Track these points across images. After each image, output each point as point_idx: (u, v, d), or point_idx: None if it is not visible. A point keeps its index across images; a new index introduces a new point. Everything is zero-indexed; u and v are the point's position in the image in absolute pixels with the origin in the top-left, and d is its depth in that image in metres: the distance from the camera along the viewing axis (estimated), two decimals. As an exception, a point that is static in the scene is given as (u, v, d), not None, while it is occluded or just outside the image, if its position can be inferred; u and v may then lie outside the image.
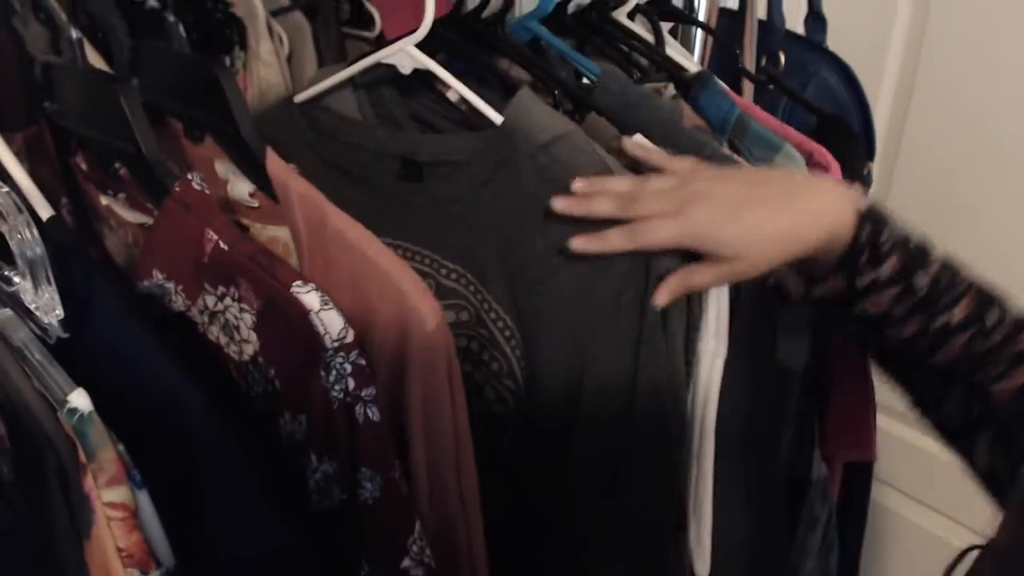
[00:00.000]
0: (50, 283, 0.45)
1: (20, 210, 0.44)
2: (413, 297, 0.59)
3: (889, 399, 0.76)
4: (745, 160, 0.78)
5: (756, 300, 0.76)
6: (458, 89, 0.73)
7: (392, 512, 0.57)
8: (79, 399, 0.45)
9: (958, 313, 0.63)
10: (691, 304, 0.71)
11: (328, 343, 0.54)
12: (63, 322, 0.47)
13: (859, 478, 0.99)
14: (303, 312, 0.54)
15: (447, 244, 0.73)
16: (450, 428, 0.63)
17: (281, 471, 0.59)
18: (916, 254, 0.64)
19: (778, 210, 0.64)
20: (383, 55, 0.76)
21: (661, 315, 0.67)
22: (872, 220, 0.64)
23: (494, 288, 0.71)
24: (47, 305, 0.45)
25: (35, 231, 0.44)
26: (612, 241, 0.64)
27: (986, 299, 0.64)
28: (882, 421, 0.91)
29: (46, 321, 0.45)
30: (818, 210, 0.64)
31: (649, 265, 0.65)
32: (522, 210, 0.69)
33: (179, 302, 0.60)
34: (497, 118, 0.70)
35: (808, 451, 0.88)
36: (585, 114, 0.78)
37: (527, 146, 0.69)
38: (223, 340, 0.60)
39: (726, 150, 0.79)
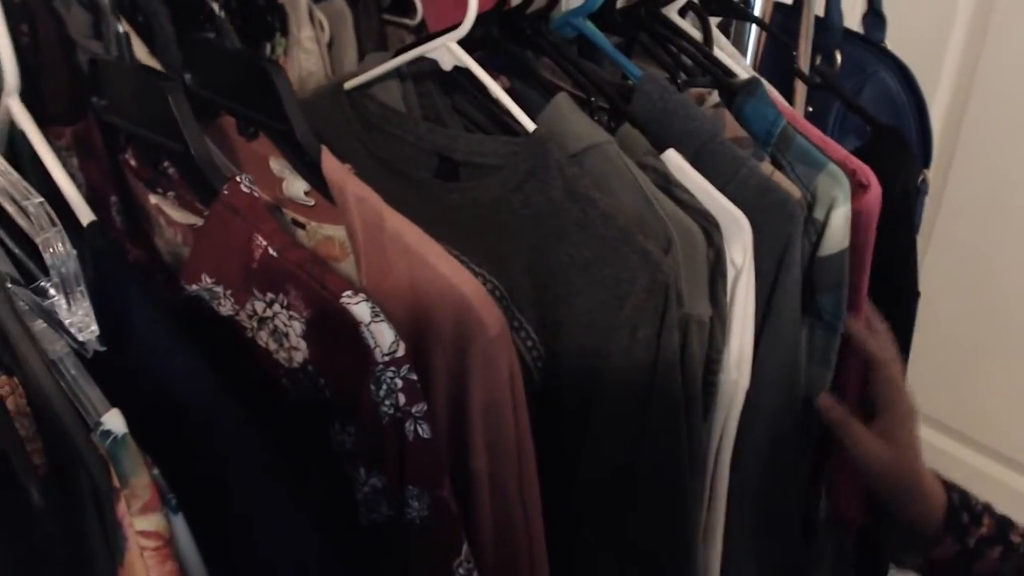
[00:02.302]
0: (84, 298, 0.39)
1: (54, 222, 0.38)
2: (475, 304, 0.53)
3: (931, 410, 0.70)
4: (786, 176, 0.70)
5: (785, 330, 0.69)
6: (494, 92, 0.66)
7: (439, 532, 0.50)
8: (113, 420, 0.39)
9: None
10: (713, 335, 0.64)
11: (379, 357, 0.47)
12: (100, 335, 0.41)
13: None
14: (353, 324, 0.47)
15: (477, 248, 0.65)
16: (512, 436, 0.56)
17: (328, 481, 0.53)
18: (1003, 517, 0.69)
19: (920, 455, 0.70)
20: (425, 49, 0.69)
21: (680, 350, 0.61)
22: (955, 489, 0.70)
23: (519, 298, 0.63)
24: (81, 322, 0.39)
25: (68, 245, 0.38)
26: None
27: None
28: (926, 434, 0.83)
29: (80, 338, 0.39)
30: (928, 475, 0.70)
31: (666, 304, 0.59)
32: (549, 222, 0.62)
33: (228, 306, 0.54)
34: (530, 125, 0.63)
35: (819, 485, 0.81)
36: (621, 122, 0.70)
37: (558, 155, 0.62)
38: (272, 346, 0.53)
39: (767, 165, 0.70)
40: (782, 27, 0.97)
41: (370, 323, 0.47)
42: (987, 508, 0.70)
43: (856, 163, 0.73)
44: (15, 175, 0.43)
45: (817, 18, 0.95)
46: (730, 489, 0.70)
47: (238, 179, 0.51)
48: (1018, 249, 1.15)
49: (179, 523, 0.41)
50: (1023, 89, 1.11)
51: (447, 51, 0.68)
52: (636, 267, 0.58)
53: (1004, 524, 0.69)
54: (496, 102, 0.67)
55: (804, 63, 0.95)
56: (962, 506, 0.69)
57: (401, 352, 0.48)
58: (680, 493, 0.65)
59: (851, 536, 0.86)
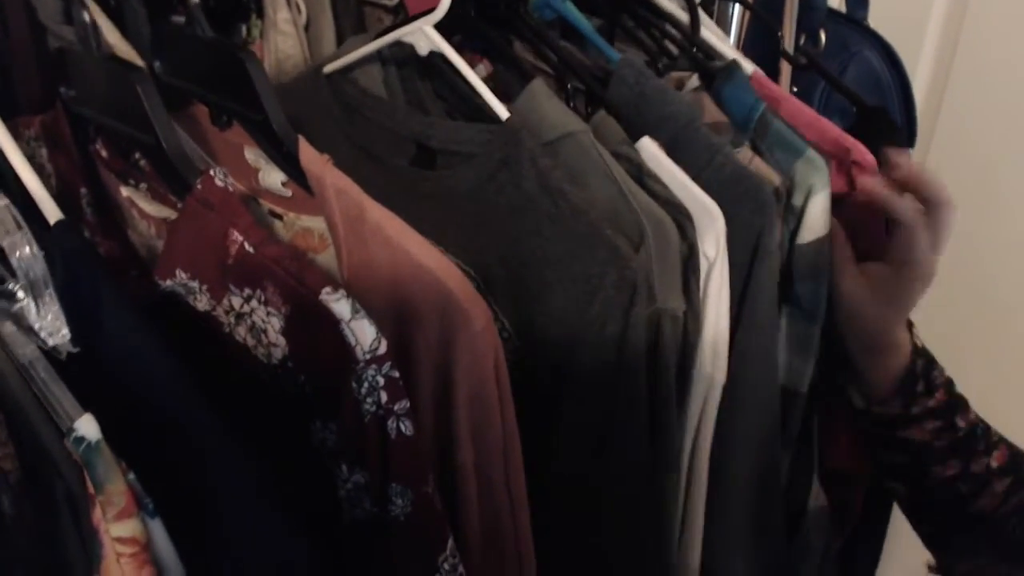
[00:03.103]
0: (54, 301, 0.38)
1: (20, 225, 0.37)
2: (460, 296, 0.52)
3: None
4: (765, 163, 0.69)
5: (760, 322, 0.68)
6: (468, 78, 0.64)
7: (423, 529, 0.50)
8: (86, 426, 0.38)
9: (996, 459, 0.67)
10: (687, 330, 0.64)
11: (360, 355, 0.47)
12: (72, 336, 0.40)
13: (877, 505, 0.86)
14: (333, 321, 0.47)
15: (453, 237, 0.64)
16: (498, 428, 0.56)
17: (310, 478, 0.53)
18: (959, 399, 0.68)
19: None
20: (401, 33, 0.67)
21: (652, 346, 0.60)
22: (923, 356, 0.69)
23: (494, 288, 0.63)
24: (51, 327, 0.38)
25: (35, 248, 0.37)
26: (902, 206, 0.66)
27: (1019, 453, 0.68)
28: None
29: (51, 343, 0.38)
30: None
31: (632, 301, 0.58)
32: (523, 214, 0.60)
33: (204, 302, 0.53)
34: (503, 112, 0.62)
35: (807, 477, 0.79)
36: (597, 108, 0.69)
37: (531, 144, 0.60)
38: (250, 342, 0.52)
39: (745, 151, 0.69)
40: (765, 7, 0.96)
41: (351, 320, 0.47)
42: (948, 385, 0.69)
43: (850, 141, 0.72)
44: (-21, 175, 0.42)
45: (800, -2, 0.94)
46: (711, 485, 0.70)
47: (212, 172, 0.50)
48: (999, 227, 1.16)
49: (157, 527, 0.40)
50: (1003, 67, 1.11)
51: (423, 35, 0.66)
52: (605, 263, 0.58)
53: (955, 404, 0.68)
54: (472, 88, 0.66)
55: (788, 43, 0.94)
56: (922, 374, 0.68)
57: (383, 349, 0.47)
58: (649, 493, 0.65)
59: (858, 498, 0.85)
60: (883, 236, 0.70)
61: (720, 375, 0.65)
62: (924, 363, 0.69)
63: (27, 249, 0.37)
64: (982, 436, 0.68)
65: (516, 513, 0.59)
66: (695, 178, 0.64)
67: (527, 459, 0.62)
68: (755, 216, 0.65)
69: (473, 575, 0.55)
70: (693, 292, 0.64)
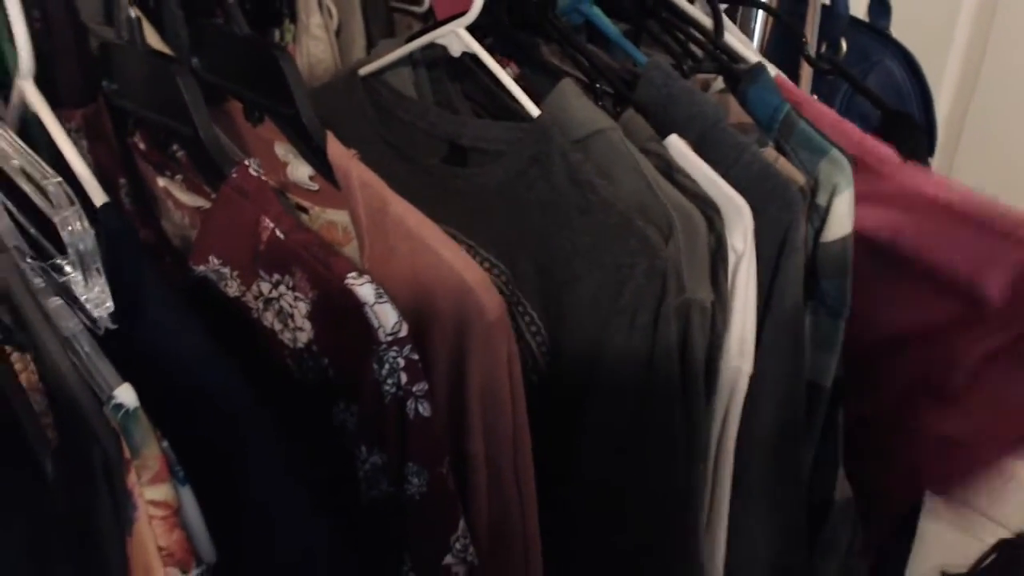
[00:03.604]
0: (100, 275, 0.41)
1: (72, 201, 0.40)
2: (475, 288, 0.54)
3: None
4: (790, 163, 0.71)
5: (787, 316, 0.70)
6: (500, 77, 0.67)
7: (438, 508, 0.52)
8: (125, 394, 0.41)
9: None
10: (715, 321, 0.65)
11: (382, 336, 0.49)
12: (112, 313, 0.43)
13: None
14: (357, 305, 0.49)
15: (484, 233, 0.66)
16: (509, 419, 0.58)
17: (331, 459, 0.55)
18: None
19: None
20: (435, 35, 0.70)
21: (681, 336, 0.61)
22: None
23: (524, 282, 0.65)
24: (97, 298, 0.41)
25: (86, 223, 0.40)
26: None
27: None
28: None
29: (96, 314, 0.41)
30: None
31: (664, 290, 0.59)
32: (552, 208, 0.62)
33: (234, 287, 0.56)
34: (534, 110, 0.64)
35: (831, 470, 0.80)
36: (625, 107, 0.71)
37: (561, 141, 0.62)
38: (277, 326, 0.55)
39: (770, 151, 0.71)
40: (789, 15, 0.98)
41: (374, 304, 0.49)
42: None
43: (873, 143, 0.73)
44: (34, 156, 0.45)
45: (823, 5, 0.96)
46: (734, 476, 0.71)
47: (247, 163, 0.53)
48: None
49: (187, 494, 0.43)
50: (1031, 78, 1.12)
51: (456, 37, 0.69)
52: (636, 253, 0.59)
53: None
54: (503, 88, 0.68)
55: (810, 51, 0.96)
56: None
57: (403, 332, 0.49)
58: (676, 483, 0.66)
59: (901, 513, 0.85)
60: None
61: (747, 366, 0.66)
62: None
63: (78, 224, 0.40)
64: None
65: (524, 505, 0.60)
66: (723, 175, 0.66)
67: (554, 454, 0.64)
68: (782, 212, 0.67)
69: (480, 562, 0.57)
70: (721, 284, 0.65)
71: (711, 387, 0.67)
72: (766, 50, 0.99)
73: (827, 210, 0.72)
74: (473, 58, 0.69)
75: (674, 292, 0.60)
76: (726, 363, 0.66)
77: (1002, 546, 0.65)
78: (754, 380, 0.67)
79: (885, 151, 0.72)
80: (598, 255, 0.61)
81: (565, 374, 0.65)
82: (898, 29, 0.98)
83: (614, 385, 0.62)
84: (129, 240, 0.48)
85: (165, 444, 0.42)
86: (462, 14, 0.68)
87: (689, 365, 0.63)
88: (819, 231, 0.72)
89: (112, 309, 0.42)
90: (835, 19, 0.92)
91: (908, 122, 0.77)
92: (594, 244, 0.61)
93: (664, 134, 0.68)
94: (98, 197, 0.49)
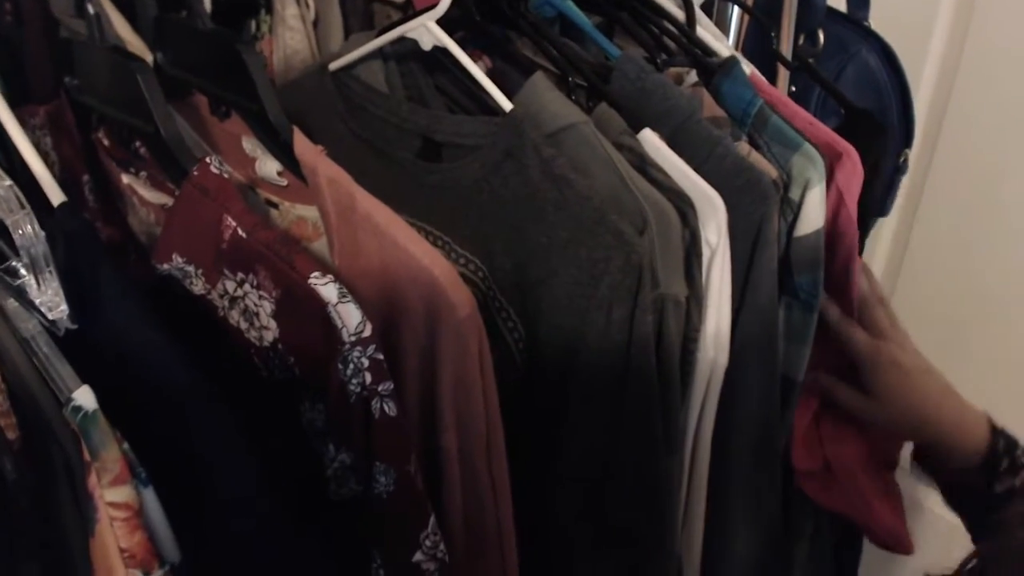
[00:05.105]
0: (53, 278, 0.41)
1: (23, 205, 0.40)
2: (445, 284, 0.54)
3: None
4: (763, 157, 0.72)
5: (762, 309, 0.70)
6: (472, 71, 0.67)
7: (406, 506, 0.53)
8: (84, 396, 0.41)
9: None
10: (690, 315, 0.66)
11: (345, 336, 0.49)
12: (71, 313, 0.43)
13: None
14: (321, 304, 0.49)
15: (459, 229, 0.67)
16: (482, 415, 0.58)
17: (299, 457, 0.55)
18: None
19: (938, 404, 0.73)
20: (404, 29, 0.70)
21: (657, 330, 0.62)
22: (1004, 436, 0.71)
23: (500, 278, 0.65)
24: (51, 301, 0.41)
25: (36, 227, 0.40)
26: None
27: None
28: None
29: (50, 317, 0.42)
30: (961, 420, 0.72)
31: (639, 284, 0.60)
32: (527, 203, 0.63)
33: (199, 285, 0.56)
34: (507, 104, 0.64)
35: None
36: (598, 101, 0.71)
37: (534, 135, 0.63)
38: (243, 325, 0.55)
39: (744, 145, 0.72)
40: (765, 6, 0.98)
41: (337, 303, 0.50)
42: None
43: (843, 145, 0.74)
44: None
45: (800, -3, 0.96)
46: (711, 468, 0.72)
47: (208, 160, 0.53)
48: (1002, 233, 1.17)
49: (149, 496, 0.43)
50: (1010, 71, 1.12)
51: (426, 31, 0.69)
52: (610, 247, 0.60)
53: None
54: (475, 81, 0.68)
55: (787, 42, 0.96)
56: (1005, 452, 0.70)
57: (367, 332, 0.50)
58: (656, 475, 0.67)
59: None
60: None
61: (723, 359, 0.67)
62: (1006, 443, 0.71)
63: (29, 228, 0.40)
64: None
65: (498, 499, 0.61)
66: (696, 169, 0.66)
67: (534, 449, 0.64)
68: (756, 206, 0.67)
69: (456, 557, 0.57)
70: (696, 278, 0.66)
71: (687, 381, 0.68)
72: (744, 46, 1.00)
73: (800, 204, 0.72)
74: (445, 52, 0.69)
75: (649, 286, 0.61)
76: (702, 356, 0.67)
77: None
78: (730, 373, 0.68)
79: (854, 155, 0.73)
80: (573, 250, 0.62)
81: (543, 369, 0.66)
82: (877, 21, 0.99)
83: (592, 379, 0.63)
84: (87, 240, 0.48)
85: (126, 446, 0.42)
86: (435, 6, 0.68)
87: (664, 359, 0.64)
88: (792, 226, 0.73)
89: (66, 312, 0.42)
90: (812, 10, 0.92)
91: (870, 121, 0.78)
92: (569, 239, 0.61)
93: (638, 128, 0.68)
94: (56, 196, 0.49)
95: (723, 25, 0.98)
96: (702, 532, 0.74)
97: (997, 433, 0.71)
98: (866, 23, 1.00)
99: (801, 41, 0.95)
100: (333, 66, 0.75)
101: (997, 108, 1.16)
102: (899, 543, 0.78)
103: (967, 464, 0.70)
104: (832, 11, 0.96)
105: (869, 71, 0.94)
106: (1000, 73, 1.15)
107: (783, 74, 0.95)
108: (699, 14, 0.85)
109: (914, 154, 1.02)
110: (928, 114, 1.20)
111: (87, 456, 0.42)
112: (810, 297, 0.74)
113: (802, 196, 0.72)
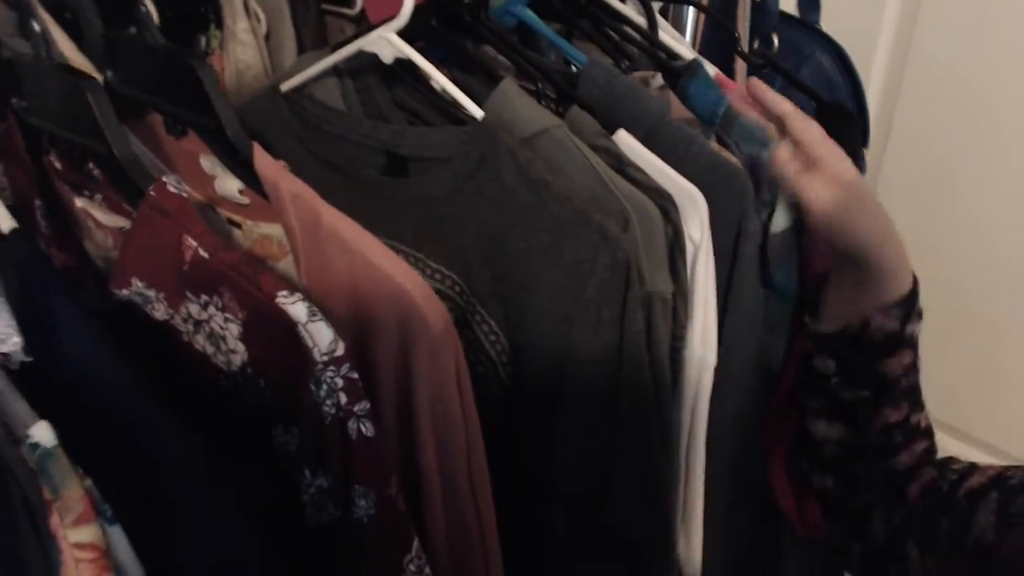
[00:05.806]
0: (4, 309, 0.38)
1: (-32, 235, 0.38)
2: (418, 300, 0.53)
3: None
4: (732, 155, 0.71)
5: (747, 304, 0.70)
6: (439, 81, 0.66)
7: (387, 530, 0.51)
8: (41, 433, 0.38)
9: (923, 419, 0.69)
10: (676, 312, 0.65)
11: (317, 357, 0.47)
12: (25, 346, 0.40)
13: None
14: (290, 324, 0.47)
15: (432, 243, 0.65)
16: (461, 430, 0.57)
17: (274, 485, 0.53)
18: None
19: (886, 227, 0.67)
20: (363, 43, 0.69)
21: (645, 329, 0.61)
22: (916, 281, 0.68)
23: (479, 289, 0.64)
24: (3, 333, 0.38)
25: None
26: (783, 155, 0.65)
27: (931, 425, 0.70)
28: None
29: (3, 350, 0.39)
30: (902, 254, 0.68)
31: (628, 282, 0.59)
32: (505, 209, 0.62)
33: (161, 310, 0.54)
34: (478, 112, 0.63)
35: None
36: (568, 106, 0.70)
37: (508, 140, 0.62)
38: (210, 350, 0.53)
39: (714, 144, 0.72)
40: (720, 12, 0.99)
41: (307, 323, 0.48)
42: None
43: None
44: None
45: (753, 2, 0.97)
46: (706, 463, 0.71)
47: (165, 180, 0.50)
48: (953, 227, 1.19)
49: (116, 533, 0.41)
50: (956, 68, 1.14)
51: (387, 43, 0.68)
52: (596, 246, 0.59)
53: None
54: (441, 92, 0.67)
55: (743, 46, 0.97)
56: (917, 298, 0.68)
57: (340, 351, 0.48)
58: (656, 478, 0.66)
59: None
60: None
61: (711, 356, 0.66)
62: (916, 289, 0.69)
63: (-25, 258, 0.37)
64: (920, 391, 0.69)
65: (481, 515, 0.60)
66: (673, 168, 0.66)
67: (522, 460, 0.63)
68: (736, 201, 0.67)
69: (440, 575, 0.56)
70: (681, 275, 0.65)
71: (676, 380, 0.67)
72: (700, 48, 1.00)
73: (772, 201, 0.72)
74: (405, 64, 0.68)
75: (637, 284, 0.60)
76: (690, 354, 0.66)
77: None
78: (718, 369, 0.67)
79: None
80: (556, 253, 0.60)
81: (530, 379, 0.64)
82: (827, 22, 1.00)
83: (584, 385, 0.62)
84: (40, 267, 0.46)
85: (88, 483, 0.40)
86: (392, 18, 0.67)
87: (655, 358, 0.63)
88: (767, 222, 0.73)
89: (20, 344, 0.39)
90: (766, 14, 0.93)
91: (841, 112, 0.78)
92: (551, 242, 0.60)
93: (610, 130, 0.67)
94: (6, 223, 0.46)
95: (679, 28, 0.98)
96: (701, 530, 0.73)
97: (914, 279, 0.69)
98: (817, 26, 1.01)
99: (756, 45, 0.95)
100: (285, 86, 0.73)
101: (944, 104, 1.18)
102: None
103: (892, 298, 0.66)
104: (784, 15, 0.97)
105: (824, 73, 0.95)
106: (946, 70, 1.17)
107: (741, 75, 0.95)
108: (659, 19, 0.85)
109: (867, 153, 1.03)
110: (878, 114, 1.22)
111: (48, 495, 0.39)
112: (787, 290, 0.75)
113: (775, 193, 0.72)
